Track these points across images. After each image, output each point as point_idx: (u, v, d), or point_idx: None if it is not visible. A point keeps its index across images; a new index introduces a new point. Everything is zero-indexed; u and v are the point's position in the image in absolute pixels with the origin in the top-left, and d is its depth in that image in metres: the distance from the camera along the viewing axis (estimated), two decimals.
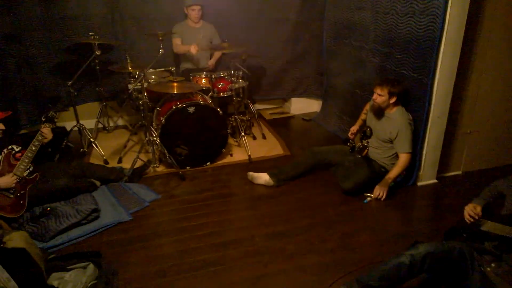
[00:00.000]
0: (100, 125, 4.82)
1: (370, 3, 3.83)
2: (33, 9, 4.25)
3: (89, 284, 2.35)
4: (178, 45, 4.53)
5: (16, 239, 2.32)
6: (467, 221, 2.37)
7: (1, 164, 2.96)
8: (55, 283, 2.32)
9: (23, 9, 4.16)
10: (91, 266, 2.45)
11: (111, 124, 5.01)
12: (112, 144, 4.46)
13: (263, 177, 3.56)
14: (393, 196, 3.36)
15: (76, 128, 4.16)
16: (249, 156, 4.07)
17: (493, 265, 2.17)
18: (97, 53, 3.86)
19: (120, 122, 5.11)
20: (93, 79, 4.60)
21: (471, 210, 2.37)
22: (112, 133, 4.88)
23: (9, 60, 4.08)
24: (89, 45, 4.17)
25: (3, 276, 2.07)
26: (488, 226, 2.28)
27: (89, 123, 4.54)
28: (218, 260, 2.64)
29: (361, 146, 3.18)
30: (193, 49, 4.30)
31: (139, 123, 4.18)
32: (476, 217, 2.33)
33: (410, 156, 3.28)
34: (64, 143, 4.05)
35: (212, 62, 4.67)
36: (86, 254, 2.60)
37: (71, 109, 4.20)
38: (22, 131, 4.28)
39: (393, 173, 3.32)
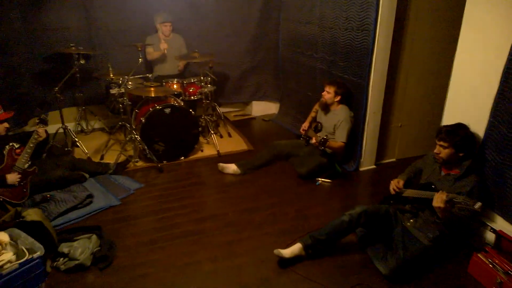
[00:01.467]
0: (78, 128, 5.26)
1: (317, 19, 4.54)
2: (14, 22, 4.63)
3: (95, 250, 2.86)
4: (151, 52, 5.07)
5: (33, 214, 2.81)
6: (391, 191, 3.08)
7: (5, 158, 3.39)
8: (65, 250, 2.80)
9: (5, 22, 4.53)
10: (94, 236, 2.96)
11: (89, 127, 5.43)
12: (92, 144, 4.89)
13: (232, 167, 4.16)
14: (340, 180, 4.05)
15: (61, 130, 4.59)
16: (218, 151, 4.65)
17: (411, 220, 2.90)
18: (82, 62, 4.32)
19: (97, 125, 5.54)
20: (72, 86, 5.03)
21: (394, 184, 3.08)
22: (90, 135, 5.31)
23: None
24: (69, 54, 4.64)
25: (28, 240, 2.57)
26: (408, 193, 2.96)
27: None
28: (199, 230, 3.20)
29: (322, 140, 3.67)
30: (162, 46, 4.91)
31: (119, 123, 4.65)
32: (398, 189, 3.04)
33: (344, 145, 3.91)
34: (50, 144, 4.46)
35: (181, 66, 5.24)
36: (89, 227, 3.10)
37: (53, 112, 4.64)
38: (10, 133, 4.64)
39: (331, 143, 3.78)
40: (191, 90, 4.82)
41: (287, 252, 2.75)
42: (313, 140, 3.74)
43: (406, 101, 4.23)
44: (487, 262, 2.52)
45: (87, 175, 3.97)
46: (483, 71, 2.77)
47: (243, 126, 5.72)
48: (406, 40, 3.93)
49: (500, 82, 2.58)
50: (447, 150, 2.71)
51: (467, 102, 2.93)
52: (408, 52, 3.99)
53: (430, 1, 3.81)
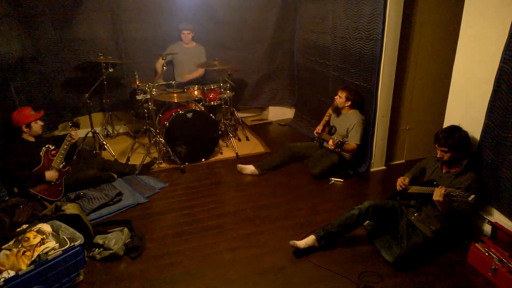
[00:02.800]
0: (104, 132, 5.63)
1: (329, 29, 4.82)
2: (48, 33, 5.02)
3: (127, 241, 3.16)
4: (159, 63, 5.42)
5: (71, 208, 3.12)
6: (398, 188, 3.31)
7: (42, 159, 3.74)
8: (100, 241, 3.11)
9: (40, 32, 4.93)
10: (126, 229, 3.25)
11: (114, 131, 5.79)
12: (118, 147, 5.23)
13: (250, 168, 4.44)
14: (352, 180, 4.30)
15: (90, 134, 4.95)
16: (237, 153, 4.94)
17: (416, 214, 3.12)
18: (111, 70, 4.67)
19: (122, 129, 5.89)
20: (99, 92, 5.40)
21: (401, 181, 3.32)
22: (116, 139, 5.67)
23: (32, 77, 4.82)
24: (97, 63, 5.01)
25: (69, 230, 2.88)
26: (413, 189, 3.19)
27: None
28: (220, 224, 3.49)
29: (339, 142, 3.86)
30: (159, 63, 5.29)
31: (144, 127, 4.98)
32: (403, 186, 3.28)
33: (357, 147, 4.14)
34: (80, 147, 4.81)
35: (189, 76, 5.53)
36: (120, 221, 3.40)
37: (82, 117, 5.00)
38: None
39: (346, 146, 3.96)
40: (211, 96, 5.13)
41: (302, 243, 3.01)
42: (330, 143, 3.96)
43: (413, 105, 4.45)
44: (483, 251, 2.74)
45: (115, 175, 4.29)
46: (479, 76, 2.99)
47: (260, 130, 6.01)
48: (412, 48, 4.16)
49: (494, 86, 2.80)
50: (448, 154, 2.94)
51: (466, 105, 3.16)
52: (414, 59, 4.22)
53: (434, 11, 4.05)
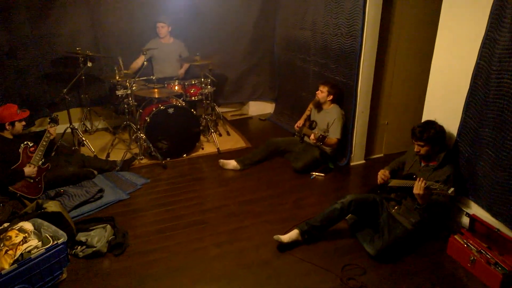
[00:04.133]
0: (82, 128, 5.53)
1: (309, 25, 4.86)
2: (23, 27, 4.87)
3: (110, 238, 3.14)
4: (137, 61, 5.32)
5: (53, 206, 3.07)
6: (379, 180, 3.39)
7: (21, 156, 3.65)
8: (83, 239, 3.08)
9: (15, 26, 4.78)
10: (109, 226, 3.23)
11: (93, 127, 5.69)
12: (97, 143, 5.14)
13: (232, 163, 4.45)
14: (332, 174, 4.37)
15: (69, 130, 4.85)
16: (218, 148, 4.94)
17: (396, 207, 3.21)
18: (89, 65, 4.59)
19: (100, 125, 5.79)
20: (77, 87, 5.29)
21: (382, 174, 3.40)
22: (94, 135, 5.57)
23: (7, 71, 4.69)
24: (75, 57, 4.91)
25: (51, 228, 2.83)
26: (393, 182, 3.26)
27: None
28: (204, 220, 3.50)
29: (320, 137, 3.96)
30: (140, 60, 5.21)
31: (124, 123, 4.92)
32: (385, 178, 3.36)
33: (338, 141, 4.23)
34: (59, 143, 4.71)
35: (182, 71, 5.51)
36: (102, 218, 3.37)
37: (60, 113, 4.89)
38: None
39: (327, 141, 4.05)
40: (192, 91, 5.11)
41: (285, 237, 3.06)
42: (312, 137, 4.02)
43: (392, 100, 4.54)
44: (462, 242, 2.84)
45: (96, 172, 4.23)
46: (457, 72, 3.08)
47: (241, 125, 6.02)
48: (391, 44, 4.25)
49: (471, 82, 2.90)
50: (425, 148, 3.03)
51: (444, 100, 3.26)
52: (393, 56, 4.31)
53: (413, 8, 4.13)
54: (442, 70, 3.24)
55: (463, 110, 3.01)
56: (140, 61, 5.22)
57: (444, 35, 3.17)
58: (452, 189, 2.66)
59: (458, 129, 3.11)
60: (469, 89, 2.93)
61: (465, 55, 2.96)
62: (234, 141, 5.32)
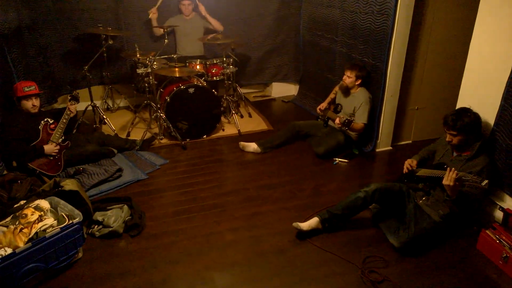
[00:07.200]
0: (104, 106, 5.51)
1: (338, 2, 4.62)
2: (46, 2, 4.85)
3: (126, 218, 3.10)
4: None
5: (70, 184, 3.04)
6: (405, 170, 3.21)
7: (41, 133, 3.63)
8: (99, 218, 3.05)
9: (37, 2, 4.73)
10: (126, 206, 3.19)
11: (115, 105, 5.66)
12: (118, 122, 5.12)
13: (252, 146, 4.34)
14: (357, 160, 4.20)
15: (90, 107, 4.82)
16: (239, 130, 4.83)
17: (424, 198, 3.04)
18: (110, 42, 4.50)
19: (122, 103, 5.76)
20: (99, 65, 5.24)
21: (408, 163, 3.22)
22: (116, 113, 5.55)
23: (29, 48, 4.65)
24: (97, 34, 4.84)
25: (68, 207, 2.80)
26: (421, 172, 3.09)
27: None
28: (222, 204, 3.41)
29: (346, 121, 3.76)
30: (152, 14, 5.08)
31: (145, 102, 4.85)
32: (411, 168, 3.17)
33: (364, 126, 4.03)
34: (80, 120, 4.69)
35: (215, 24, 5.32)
36: (120, 198, 3.33)
37: (81, 91, 4.86)
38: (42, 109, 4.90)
39: (353, 125, 3.86)
40: (213, 71, 4.98)
41: (305, 225, 2.94)
42: (337, 121, 3.86)
43: (424, 84, 4.30)
44: (494, 238, 2.66)
45: (115, 151, 4.19)
46: (496, 56, 2.84)
47: (263, 106, 5.87)
48: (425, 24, 3.99)
49: None
50: (457, 137, 2.82)
51: (481, 86, 3.03)
52: (427, 36, 4.05)
53: None
54: (481, 54, 2.99)
55: (502, 97, 2.78)
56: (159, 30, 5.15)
57: (485, 17, 2.91)
58: (486, 181, 2.46)
59: (496, 117, 2.88)
60: (510, 75, 2.69)
61: (507, 39, 2.72)
62: (256, 123, 5.19)
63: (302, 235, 2.94)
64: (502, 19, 2.77)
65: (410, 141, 4.62)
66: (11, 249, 2.42)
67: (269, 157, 4.26)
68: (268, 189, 3.62)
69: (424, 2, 3.87)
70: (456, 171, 2.60)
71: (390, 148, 4.44)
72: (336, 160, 4.14)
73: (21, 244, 2.46)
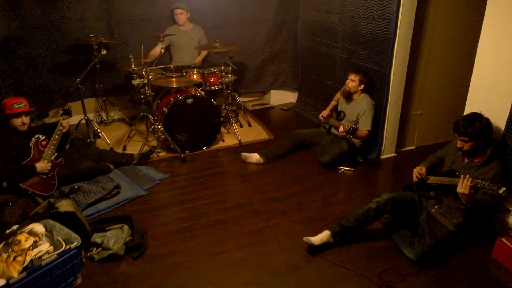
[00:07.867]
0: (98, 119, 5.34)
1: (337, 8, 4.52)
2: (34, 12, 4.65)
3: (127, 239, 2.93)
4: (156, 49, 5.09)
5: (66, 205, 2.88)
6: (414, 179, 3.10)
7: (32, 151, 3.46)
8: (98, 240, 2.88)
9: (24, 11, 4.54)
10: (126, 226, 3.02)
11: (109, 117, 5.50)
12: (113, 135, 4.94)
13: (254, 156, 4.20)
14: (361, 168, 4.09)
15: (83, 121, 4.66)
16: (239, 140, 4.69)
17: (436, 207, 2.92)
18: (103, 52, 4.35)
19: (116, 115, 5.60)
20: (91, 76, 5.08)
21: (417, 171, 3.11)
22: (110, 126, 5.38)
23: (18, 61, 4.47)
24: (89, 45, 4.69)
25: (64, 231, 2.64)
26: (432, 179, 2.98)
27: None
28: (226, 219, 3.26)
29: (351, 129, 3.64)
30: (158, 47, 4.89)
31: (141, 114, 4.70)
32: (420, 176, 3.06)
33: (368, 133, 3.93)
34: (73, 135, 4.52)
35: (199, 59, 5.26)
36: (119, 217, 3.17)
37: (74, 103, 4.70)
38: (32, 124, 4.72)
39: (358, 133, 3.76)
40: (211, 80, 4.85)
41: (316, 239, 2.81)
42: (341, 129, 3.75)
43: (426, 90, 4.23)
44: (510, 245, 2.55)
45: (112, 166, 4.03)
46: (505, 59, 2.76)
47: (262, 115, 5.74)
48: (427, 28, 3.91)
49: None
50: (469, 144, 2.72)
51: (489, 91, 2.93)
52: (429, 41, 3.97)
53: None
54: (489, 57, 2.89)
55: None
56: (158, 48, 4.97)
57: (492, 18, 2.82)
58: (503, 188, 2.34)
59: (507, 122, 2.78)
60: None
61: None
62: (256, 132, 5.06)
63: (314, 250, 2.81)
64: (509, 21, 2.68)
65: (414, 147, 4.52)
66: (4, 280, 2.23)
67: (272, 167, 4.13)
68: (274, 202, 3.49)
69: (426, 6, 3.79)
70: (470, 179, 2.49)
71: (394, 154, 4.34)
72: (341, 168, 4.02)
73: (15, 274, 2.28)
